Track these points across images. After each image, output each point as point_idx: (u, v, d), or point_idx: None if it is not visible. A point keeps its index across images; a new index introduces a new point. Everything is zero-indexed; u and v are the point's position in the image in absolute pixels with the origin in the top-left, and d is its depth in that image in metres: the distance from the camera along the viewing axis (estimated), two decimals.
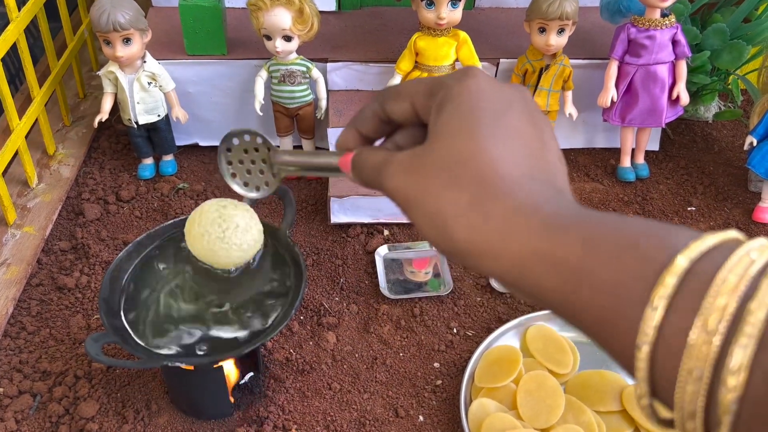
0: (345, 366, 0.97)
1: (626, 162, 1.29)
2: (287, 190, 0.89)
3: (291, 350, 0.99)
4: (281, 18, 1.11)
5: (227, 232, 0.70)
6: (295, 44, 1.15)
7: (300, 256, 0.83)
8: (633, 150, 1.30)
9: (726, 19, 1.37)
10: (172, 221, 0.88)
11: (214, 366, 0.81)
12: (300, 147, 1.29)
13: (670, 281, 0.28)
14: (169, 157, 1.29)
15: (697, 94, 1.42)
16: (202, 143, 1.34)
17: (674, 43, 1.17)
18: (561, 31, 1.14)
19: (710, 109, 1.45)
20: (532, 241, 0.32)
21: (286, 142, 1.27)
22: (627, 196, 1.26)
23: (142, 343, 0.78)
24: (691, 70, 1.34)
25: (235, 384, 0.90)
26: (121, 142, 1.34)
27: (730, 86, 1.40)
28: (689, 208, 1.23)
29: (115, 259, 0.83)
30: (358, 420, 0.91)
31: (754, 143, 1.17)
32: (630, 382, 0.91)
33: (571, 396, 0.90)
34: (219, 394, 0.86)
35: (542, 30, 1.15)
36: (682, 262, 0.29)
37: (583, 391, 0.91)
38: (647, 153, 1.34)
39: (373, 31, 1.31)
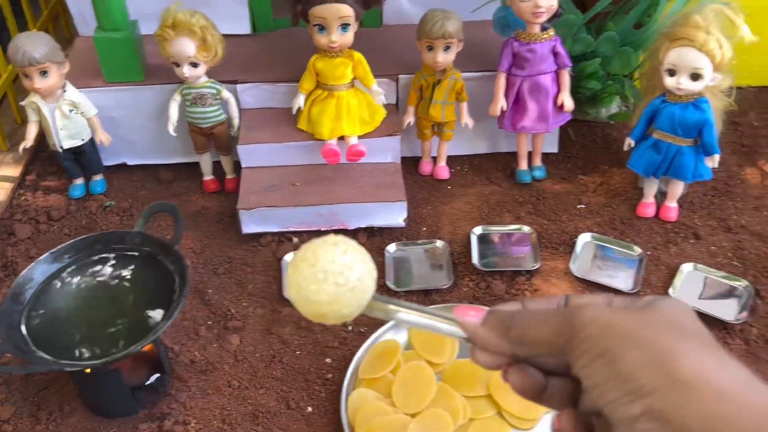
0: (245, 365, 1.07)
1: (523, 165, 1.38)
2: (176, 207, 0.98)
3: (196, 352, 1.08)
4: (185, 47, 1.20)
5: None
6: (202, 69, 1.24)
7: (186, 270, 0.92)
8: (531, 153, 1.40)
9: (618, 26, 1.46)
10: (71, 241, 0.97)
11: (110, 369, 0.91)
12: (218, 162, 1.39)
13: None
14: (98, 177, 1.39)
15: (597, 96, 1.52)
16: (130, 162, 1.43)
17: (555, 54, 1.27)
18: (447, 48, 1.24)
19: (611, 111, 1.54)
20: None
21: (205, 159, 1.36)
22: (522, 197, 1.35)
23: (42, 353, 0.87)
24: (585, 76, 1.44)
25: (140, 385, 1.00)
26: (54, 165, 1.43)
27: (625, 90, 1.49)
28: (579, 206, 1.33)
29: (17, 278, 0.92)
30: (252, 413, 1.00)
31: (632, 144, 1.27)
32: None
33: (445, 383, 1.00)
34: (121, 394, 0.95)
35: (430, 48, 1.24)
36: None
37: (456, 378, 1.01)
38: (547, 155, 1.44)
39: (284, 52, 1.41)
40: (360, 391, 0.99)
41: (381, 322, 1.10)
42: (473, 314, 0.44)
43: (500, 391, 0.97)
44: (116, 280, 0.95)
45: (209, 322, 1.13)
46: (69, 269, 0.95)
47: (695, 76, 1.14)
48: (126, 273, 0.94)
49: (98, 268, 0.94)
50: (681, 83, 1.15)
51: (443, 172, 1.40)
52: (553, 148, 1.44)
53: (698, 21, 1.12)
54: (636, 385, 0.34)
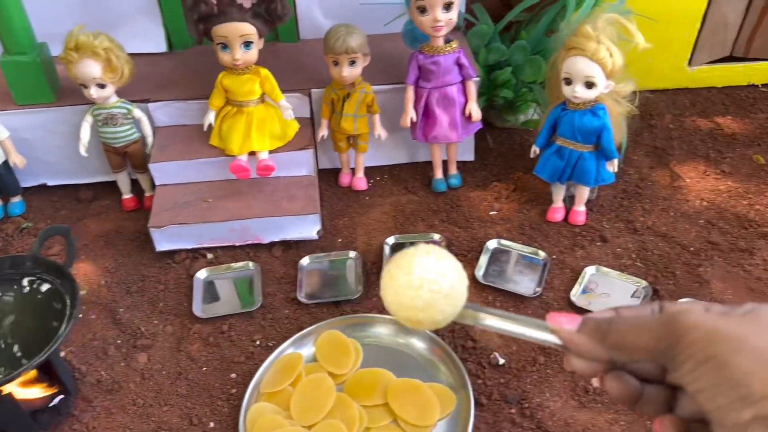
0: (151, 383, 1.07)
1: (438, 174, 1.41)
2: (68, 229, 0.99)
3: (103, 372, 1.09)
4: (91, 69, 1.21)
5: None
6: (110, 90, 1.25)
7: (77, 293, 0.93)
8: (446, 162, 1.42)
9: (530, 35, 1.50)
10: None
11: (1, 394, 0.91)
12: (136, 180, 1.39)
13: None
14: (16, 199, 1.39)
15: (513, 104, 1.55)
16: (49, 183, 1.44)
17: (459, 66, 1.29)
18: (353, 63, 1.26)
19: (529, 117, 1.57)
20: None
21: (122, 178, 1.37)
22: (437, 206, 1.37)
23: None
24: (499, 85, 1.47)
25: (43, 407, 1.00)
26: None
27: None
28: (491, 213, 1.35)
29: None
30: (155, 430, 1.01)
31: (537, 151, 1.30)
32: (395, 378, 1.02)
33: (345, 394, 1.01)
34: (17, 417, 0.96)
35: (336, 63, 1.26)
36: None
37: (356, 388, 1.02)
38: (464, 163, 1.46)
39: (199, 70, 1.42)
40: (259, 404, 1.00)
41: (288, 336, 1.12)
42: (567, 321, 0.45)
43: (397, 400, 0.99)
44: (7, 307, 0.95)
45: (119, 341, 1.14)
46: None
47: (589, 84, 1.17)
48: (16, 297, 0.95)
49: None
50: (576, 91, 1.18)
51: (361, 183, 1.42)
52: (469, 156, 1.47)
53: (589, 31, 1.15)
54: (746, 391, 0.35)
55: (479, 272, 1.20)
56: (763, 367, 0.35)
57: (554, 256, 1.25)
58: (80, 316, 1.17)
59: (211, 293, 1.21)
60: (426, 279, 0.47)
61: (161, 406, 1.04)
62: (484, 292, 1.18)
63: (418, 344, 1.09)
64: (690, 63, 1.66)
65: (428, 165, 1.47)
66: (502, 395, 1.02)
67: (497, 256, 1.24)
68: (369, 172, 1.45)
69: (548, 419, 0.98)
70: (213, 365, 1.10)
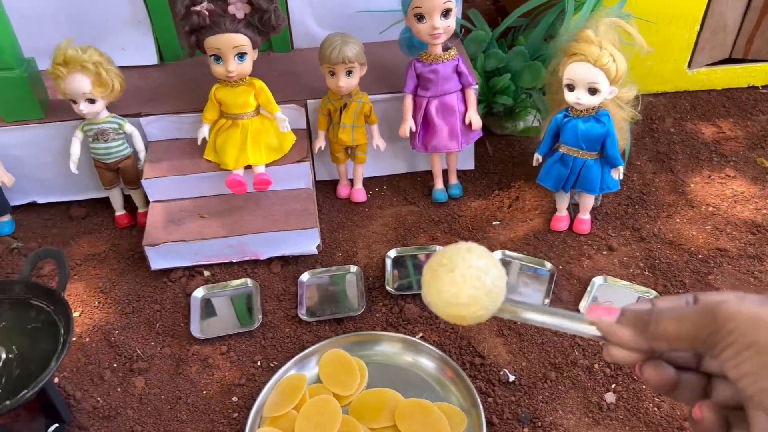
0: (150, 408, 1.04)
1: (438, 184, 1.38)
2: (60, 252, 0.95)
3: (99, 398, 1.05)
4: (80, 84, 1.17)
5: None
6: (100, 105, 1.21)
7: (71, 319, 0.89)
8: (447, 171, 1.39)
9: (528, 40, 1.47)
10: None
11: None
12: (129, 196, 1.36)
13: None
14: (5, 218, 1.35)
15: (512, 111, 1.52)
16: (40, 200, 1.40)
17: (459, 74, 1.27)
18: (349, 73, 1.23)
19: (528, 125, 1.55)
20: None
21: (114, 194, 1.33)
22: (438, 217, 1.34)
23: None
24: (497, 92, 1.44)
25: None
26: None
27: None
28: (494, 223, 1.32)
29: None
30: None
31: (540, 159, 1.27)
32: (402, 398, 0.99)
33: (351, 416, 0.98)
34: None
35: (332, 73, 1.23)
36: None
37: (363, 410, 0.99)
38: (464, 172, 1.44)
39: (191, 82, 1.38)
40: (263, 429, 0.96)
41: (290, 358, 1.08)
42: (606, 313, 0.47)
43: (405, 422, 0.96)
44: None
45: (114, 365, 1.10)
46: None
47: (593, 91, 1.14)
48: (6, 325, 0.91)
49: None
50: (579, 98, 1.15)
51: (359, 195, 1.38)
52: (469, 164, 1.44)
53: (591, 36, 1.12)
54: None
55: None
56: None
57: (560, 267, 1.22)
58: (73, 339, 1.13)
59: (208, 312, 1.18)
60: (469, 276, 0.49)
61: None
62: None
63: (425, 362, 1.06)
64: (689, 65, 1.64)
65: (428, 175, 1.44)
66: (513, 414, 0.99)
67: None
68: (367, 182, 1.42)
69: None
70: (213, 388, 1.06)
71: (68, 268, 0.94)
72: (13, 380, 0.87)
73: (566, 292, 1.17)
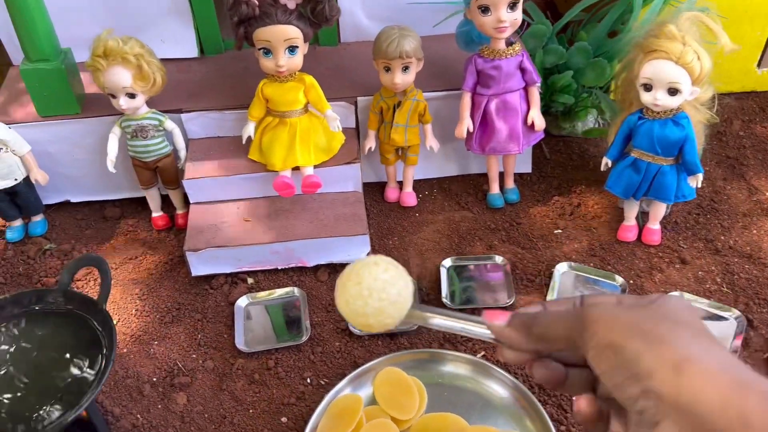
0: (193, 428, 0.96)
1: (494, 189, 1.29)
2: (102, 260, 0.88)
3: (138, 415, 0.98)
4: (120, 77, 1.10)
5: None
6: (140, 100, 1.14)
7: (114, 332, 0.82)
8: (503, 174, 1.31)
9: (591, 35, 1.38)
10: None
11: None
12: (167, 196, 1.29)
13: None
14: (38, 218, 1.28)
15: (571, 110, 1.43)
16: (73, 200, 1.33)
17: (522, 70, 1.18)
18: (406, 68, 1.15)
19: (587, 125, 1.46)
20: (747, 376, 0.39)
21: (152, 194, 1.26)
22: (495, 224, 1.26)
23: None
24: (558, 90, 1.35)
25: None
26: None
27: (601, 103, 1.40)
28: (556, 231, 1.23)
29: None
30: None
31: (609, 164, 1.18)
32: (467, 424, 0.91)
33: None
34: None
35: (387, 69, 1.15)
36: None
37: None
38: (521, 175, 1.35)
39: (234, 76, 1.31)
40: None
41: (341, 375, 1.01)
42: (498, 317, 0.51)
43: None
44: (36, 345, 0.85)
45: (154, 379, 1.03)
46: None
47: (673, 91, 1.05)
48: (46, 336, 0.84)
49: (13, 333, 0.84)
50: (658, 99, 1.06)
51: (410, 198, 1.30)
52: (526, 167, 1.35)
53: (673, 32, 1.03)
54: (636, 369, 0.41)
55: (550, 299, 1.09)
56: (649, 348, 0.40)
57: (631, 281, 1.13)
58: None
59: (253, 323, 1.10)
60: (375, 288, 0.52)
61: None
62: None
63: (492, 386, 0.97)
64: (759, 64, 1.53)
65: (480, 177, 1.36)
66: None
67: (569, 281, 1.13)
68: (416, 185, 1.34)
69: None
70: (260, 407, 0.99)
71: (110, 276, 0.87)
72: (52, 393, 0.80)
73: None
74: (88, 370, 0.82)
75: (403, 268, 0.55)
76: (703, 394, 0.39)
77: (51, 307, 0.86)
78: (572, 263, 1.14)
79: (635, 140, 1.13)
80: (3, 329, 0.83)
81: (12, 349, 0.83)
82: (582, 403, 0.48)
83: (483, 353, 1.03)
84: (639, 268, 1.16)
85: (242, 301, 1.12)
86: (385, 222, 1.28)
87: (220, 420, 0.97)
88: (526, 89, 1.20)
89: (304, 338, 1.06)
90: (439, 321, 0.54)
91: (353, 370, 1.01)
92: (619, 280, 1.11)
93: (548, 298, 1.09)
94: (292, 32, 1.07)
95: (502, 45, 1.15)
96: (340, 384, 0.97)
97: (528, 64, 1.17)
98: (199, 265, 1.14)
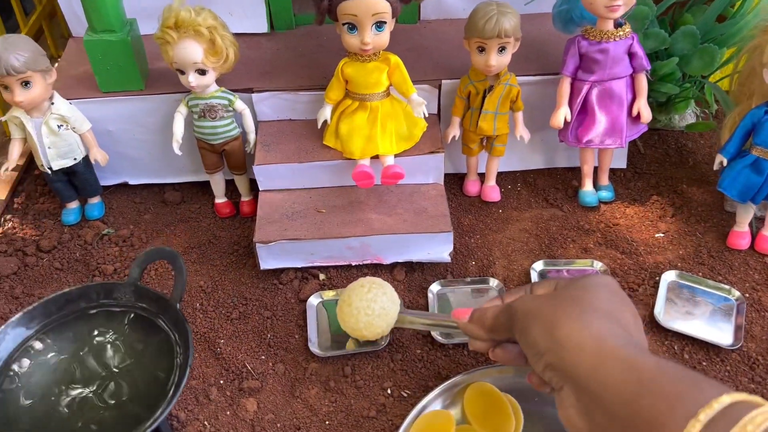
0: None
1: (587, 185, 1.18)
2: (176, 255, 0.79)
3: (206, 422, 0.90)
4: (191, 51, 1.01)
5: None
6: (210, 77, 1.05)
7: (189, 336, 0.74)
8: (597, 169, 1.19)
9: (697, 19, 1.25)
10: (46, 298, 0.79)
11: None
12: (232, 181, 1.20)
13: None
14: (95, 200, 1.21)
15: (669, 101, 1.30)
16: (131, 182, 1.25)
17: (631, 55, 1.06)
18: (502, 49, 1.04)
19: (685, 118, 1.33)
20: (618, 347, 0.52)
21: (217, 179, 1.18)
22: (589, 224, 1.14)
23: None
24: (659, 78, 1.23)
25: None
26: (47, 186, 1.25)
27: (704, 94, 1.28)
28: (657, 235, 1.12)
29: None
30: None
31: (725, 163, 1.06)
32: None
33: None
34: None
35: (481, 49, 1.04)
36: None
37: None
38: (614, 171, 1.23)
39: (307, 54, 1.21)
40: None
41: (425, 387, 0.91)
42: (463, 314, 0.71)
43: None
44: (102, 350, 0.77)
45: (221, 382, 0.95)
46: (41, 337, 0.77)
47: None
48: (115, 339, 0.76)
49: (82, 333, 0.76)
50: None
51: (493, 193, 1.20)
52: (620, 163, 1.23)
53: None
54: (537, 348, 0.57)
55: (658, 312, 0.97)
56: (543, 331, 0.57)
57: (746, 294, 1.01)
58: None
59: (327, 324, 1.01)
60: (362, 307, 0.77)
61: None
62: (667, 339, 0.95)
63: None
64: None
65: (568, 172, 1.24)
66: None
67: (676, 292, 1.01)
68: (498, 178, 1.23)
69: None
70: (338, 419, 0.90)
71: (186, 273, 0.78)
72: (121, 402, 0.72)
73: (759, 327, 0.97)
74: (159, 374, 0.74)
75: (388, 284, 0.77)
76: (578, 365, 0.51)
77: (121, 304, 0.78)
78: (680, 272, 1.03)
79: (759, 137, 1.01)
80: (112, 339, 0.75)
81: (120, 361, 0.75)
82: (532, 377, 0.64)
83: None
84: (754, 279, 1.04)
85: (314, 299, 1.03)
86: (465, 218, 1.18)
87: (294, 431, 0.89)
88: (632, 76, 1.08)
89: (384, 344, 0.97)
90: (424, 321, 0.77)
91: (436, 381, 0.92)
92: (735, 293, 1.00)
93: (655, 311, 0.98)
94: (382, 6, 0.96)
95: (610, 26, 1.03)
96: (428, 397, 0.88)
97: (638, 48, 1.05)
98: (269, 259, 1.06)
